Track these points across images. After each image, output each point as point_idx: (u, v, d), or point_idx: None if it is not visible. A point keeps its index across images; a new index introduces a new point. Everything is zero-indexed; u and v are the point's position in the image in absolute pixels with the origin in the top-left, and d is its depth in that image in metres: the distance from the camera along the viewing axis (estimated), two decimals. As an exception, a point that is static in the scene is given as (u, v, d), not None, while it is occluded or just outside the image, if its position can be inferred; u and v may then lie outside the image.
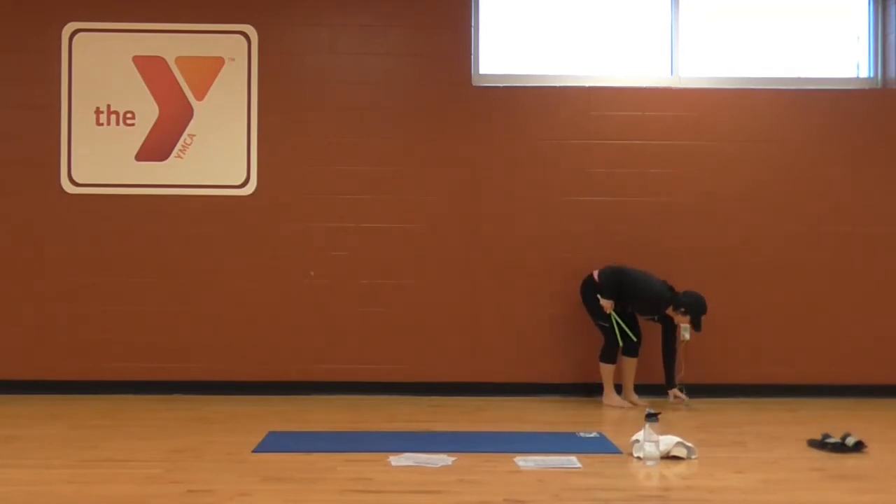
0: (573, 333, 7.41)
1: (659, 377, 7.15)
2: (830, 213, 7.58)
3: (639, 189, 7.54)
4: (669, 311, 7.01)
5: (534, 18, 7.81)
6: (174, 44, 7.49)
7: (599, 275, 7.10)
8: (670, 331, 7.10)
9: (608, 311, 7.06)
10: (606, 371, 7.12)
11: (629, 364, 7.20)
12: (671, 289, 7.04)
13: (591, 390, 7.29)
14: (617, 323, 7.06)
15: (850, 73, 7.87)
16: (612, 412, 6.91)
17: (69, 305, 7.40)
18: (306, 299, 7.47)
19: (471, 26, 7.59)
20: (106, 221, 7.45)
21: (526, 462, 5.11)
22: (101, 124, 7.46)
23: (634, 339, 7.16)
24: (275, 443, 5.64)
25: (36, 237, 7.44)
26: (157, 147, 7.47)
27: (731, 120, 7.61)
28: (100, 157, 7.46)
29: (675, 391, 7.07)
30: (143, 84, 7.47)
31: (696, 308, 6.92)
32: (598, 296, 7.06)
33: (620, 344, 7.12)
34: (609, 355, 7.11)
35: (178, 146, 7.47)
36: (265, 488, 4.59)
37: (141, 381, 7.37)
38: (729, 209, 7.56)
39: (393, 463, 5.07)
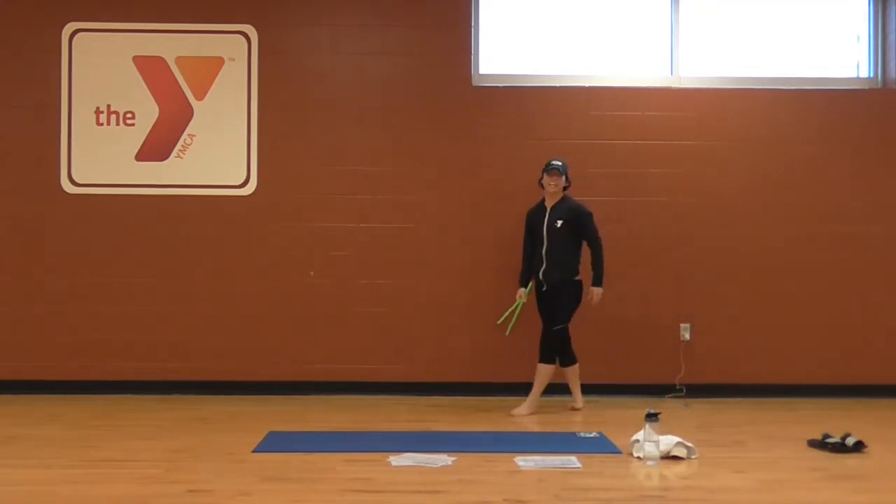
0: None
1: (658, 377, 7.15)
2: (830, 213, 7.57)
3: (639, 189, 7.54)
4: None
5: (534, 18, 7.81)
6: (174, 44, 7.49)
7: None
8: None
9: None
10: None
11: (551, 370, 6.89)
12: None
13: (591, 390, 7.29)
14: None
15: (850, 73, 7.86)
16: (613, 412, 6.89)
17: (69, 305, 7.41)
18: (306, 299, 7.47)
19: (471, 26, 7.59)
20: (106, 221, 7.45)
21: (526, 462, 5.11)
22: (101, 124, 7.47)
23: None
24: (275, 443, 5.64)
25: (36, 237, 7.44)
26: (158, 147, 7.48)
27: (731, 120, 7.61)
28: (100, 157, 7.46)
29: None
30: (144, 84, 7.47)
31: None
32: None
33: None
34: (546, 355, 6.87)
35: (179, 146, 7.47)
36: (265, 488, 4.59)
37: (141, 381, 7.38)
38: (729, 209, 7.56)
39: (393, 463, 5.07)
